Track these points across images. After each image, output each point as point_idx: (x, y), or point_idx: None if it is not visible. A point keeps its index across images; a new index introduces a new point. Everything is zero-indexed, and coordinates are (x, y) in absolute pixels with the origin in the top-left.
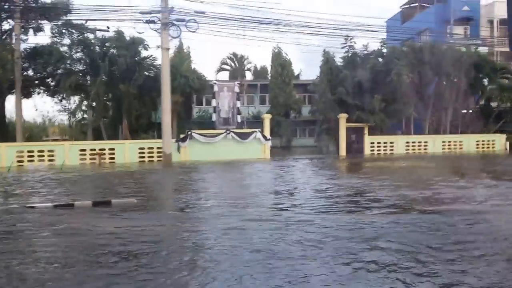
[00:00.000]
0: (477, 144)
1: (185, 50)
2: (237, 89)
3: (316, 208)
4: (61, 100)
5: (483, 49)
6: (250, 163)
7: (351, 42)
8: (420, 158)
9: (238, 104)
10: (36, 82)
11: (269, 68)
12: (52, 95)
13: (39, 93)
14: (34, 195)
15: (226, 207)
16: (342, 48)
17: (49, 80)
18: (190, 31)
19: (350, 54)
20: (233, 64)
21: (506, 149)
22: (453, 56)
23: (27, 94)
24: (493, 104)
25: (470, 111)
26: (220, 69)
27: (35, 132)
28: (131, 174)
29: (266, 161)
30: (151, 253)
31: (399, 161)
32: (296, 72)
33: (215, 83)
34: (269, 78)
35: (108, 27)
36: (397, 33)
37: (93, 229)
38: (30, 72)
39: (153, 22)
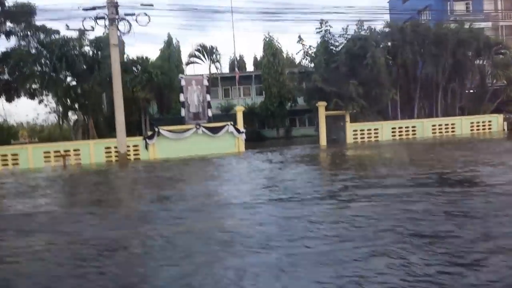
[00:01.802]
0: (472, 126)
1: (174, 44)
2: (206, 83)
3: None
4: (40, 102)
5: (487, 25)
6: (215, 158)
7: (326, 26)
8: (392, 145)
9: (208, 97)
10: (15, 85)
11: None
12: (31, 97)
13: (19, 96)
14: None
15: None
16: (318, 33)
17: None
18: (141, 25)
19: (325, 39)
20: (202, 57)
21: (504, 130)
22: (438, 34)
23: (9, 98)
24: (489, 83)
25: (467, 91)
26: (189, 62)
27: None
28: (59, 177)
29: (237, 155)
30: None
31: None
32: (297, 60)
33: (181, 78)
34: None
35: (92, 28)
36: (399, 13)
37: None
38: (6, 77)
39: (102, 18)
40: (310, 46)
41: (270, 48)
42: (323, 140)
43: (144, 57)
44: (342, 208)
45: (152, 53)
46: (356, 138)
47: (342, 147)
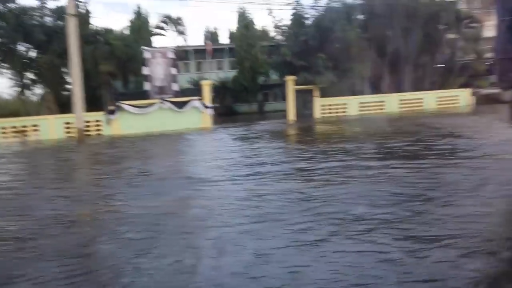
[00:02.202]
0: (439, 101)
1: (143, 16)
2: (171, 55)
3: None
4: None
5: None
6: (179, 134)
7: None
8: (358, 120)
9: (175, 71)
10: None
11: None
12: None
13: None
14: None
15: None
16: (288, 4)
17: None
18: None
19: (296, 11)
20: (167, 28)
21: (471, 104)
22: (408, 7)
23: None
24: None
25: (437, 65)
26: (154, 34)
27: None
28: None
29: (202, 131)
30: None
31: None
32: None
33: (145, 49)
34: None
35: None
36: None
37: None
38: None
39: None
40: (281, 19)
41: (243, 20)
42: (291, 115)
43: (108, 28)
44: (286, 184)
45: (123, 24)
46: (325, 113)
47: (309, 122)
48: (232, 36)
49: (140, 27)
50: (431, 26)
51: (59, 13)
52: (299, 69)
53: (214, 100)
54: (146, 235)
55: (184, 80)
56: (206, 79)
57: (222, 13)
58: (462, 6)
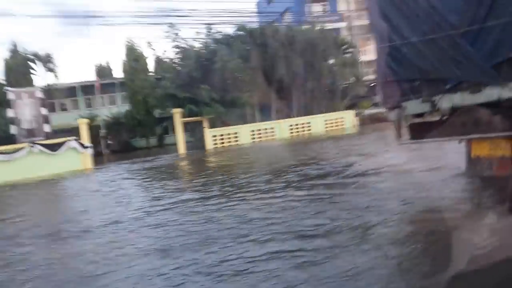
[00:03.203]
0: (326, 124)
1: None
2: (40, 95)
3: None
4: None
5: (342, 25)
6: (49, 180)
7: (174, 30)
8: (247, 149)
9: (45, 111)
10: None
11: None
12: None
13: None
14: None
15: None
16: (167, 37)
17: None
18: None
19: (176, 43)
20: (35, 66)
21: (355, 125)
22: (287, 36)
23: None
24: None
25: (322, 90)
26: (24, 73)
27: None
28: None
29: (80, 173)
30: None
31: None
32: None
33: (9, 91)
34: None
35: None
36: (264, 15)
37: None
38: None
39: None
40: (164, 51)
41: (132, 53)
42: (181, 148)
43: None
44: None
45: None
46: (216, 143)
47: (199, 154)
48: (123, 69)
49: (15, 66)
50: (311, 53)
51: None
52: (184, 101)
53: (108, 136)
54: None
55: (73, 118)
56: (96, 115)
57: (114, 47)
58: (342, 32)
